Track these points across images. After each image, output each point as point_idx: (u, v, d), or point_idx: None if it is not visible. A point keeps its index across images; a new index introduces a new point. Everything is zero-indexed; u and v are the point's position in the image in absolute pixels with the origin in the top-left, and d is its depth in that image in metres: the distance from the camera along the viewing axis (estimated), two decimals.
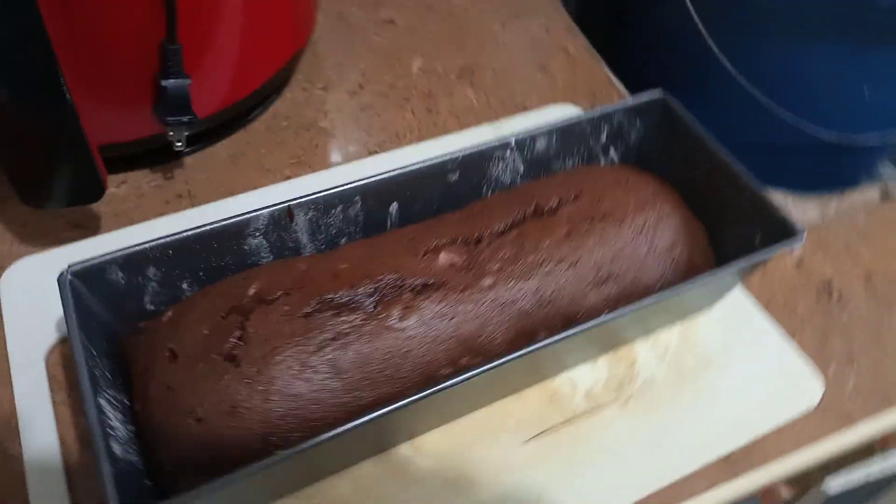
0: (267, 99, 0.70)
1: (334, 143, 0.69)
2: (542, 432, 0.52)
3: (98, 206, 0.61)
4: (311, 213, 0.50)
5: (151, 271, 0.47)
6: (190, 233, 0.47)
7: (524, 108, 0.74)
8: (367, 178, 0.51)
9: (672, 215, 0.53)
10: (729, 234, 0.55)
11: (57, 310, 0.47)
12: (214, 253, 0.48)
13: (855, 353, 0.59)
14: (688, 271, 0.52)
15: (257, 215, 0.48)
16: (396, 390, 0.44)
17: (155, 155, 0.64)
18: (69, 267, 0.44)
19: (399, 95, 0.74)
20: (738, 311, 0.59)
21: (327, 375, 0.43)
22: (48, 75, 0.46)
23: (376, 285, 0.46)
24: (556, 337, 0.44)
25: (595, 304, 0.49)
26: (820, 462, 0.54)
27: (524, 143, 0.55)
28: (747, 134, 0.69)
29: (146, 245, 0.46)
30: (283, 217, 0.49)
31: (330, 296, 0.45)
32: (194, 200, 0.63)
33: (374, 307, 0.45)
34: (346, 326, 0.44)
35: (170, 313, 0.46)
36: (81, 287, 0.45)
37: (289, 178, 0.65)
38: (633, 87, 0.77)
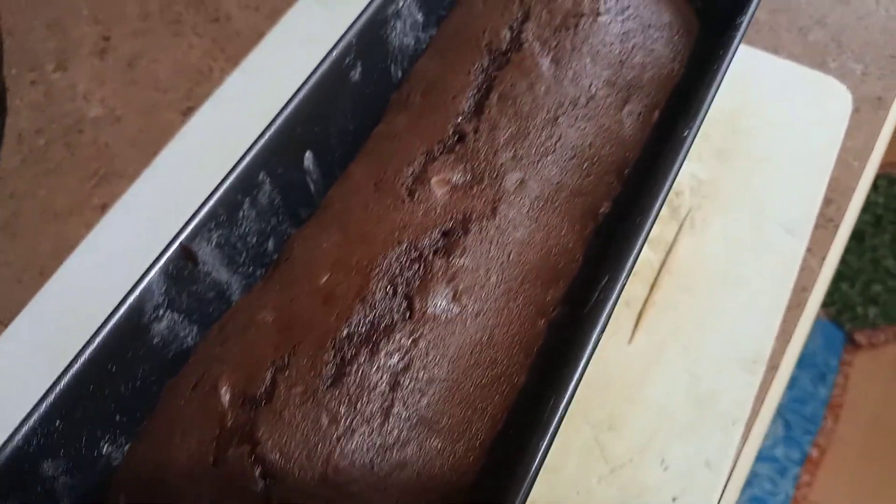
0: None
1: (129, 127, 0.47)
2: (638, 317, 0.39)
3: None
4: (215, 236, 0.31)
5: (48, 468, 0.27)
6: (66, 379, 0.27)
7: None
8: (258, 140, 0.32)
9: None
10: None
11: None
12: (119, 379, 0.29)
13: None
14: (690, 35, 0.39)
15: (148, 288, 0.29)
16: (506, 402, 0.30)
17: None
18: None
19: (166, 20, 0.52)
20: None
21: (426, 426, 0.27)
22: None
23: (388, 277, 0.29)
24: (650, 216, 0.30)
25: (633, 132, 0.36)
26: None
27: None
28: None
29: (20, 434, 0.26)
30: (181, 266, 0.30)
31: (344, 331, 0.28)
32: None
33: (408, 306, 0.29)
34: (396, 357, 0.28)
35: None
36: None
37: (104, 206, 0.44)
38: None
